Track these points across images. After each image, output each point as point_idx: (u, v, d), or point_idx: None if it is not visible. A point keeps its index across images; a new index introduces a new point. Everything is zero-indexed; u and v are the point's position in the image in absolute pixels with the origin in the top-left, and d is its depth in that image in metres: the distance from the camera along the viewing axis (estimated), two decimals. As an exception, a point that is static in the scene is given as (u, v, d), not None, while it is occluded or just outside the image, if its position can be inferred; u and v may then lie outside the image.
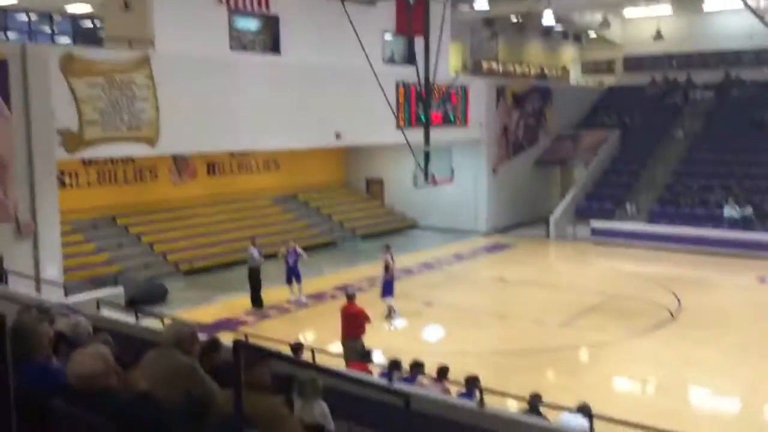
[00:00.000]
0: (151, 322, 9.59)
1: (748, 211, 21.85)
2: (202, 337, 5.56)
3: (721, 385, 11.58)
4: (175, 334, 4.78)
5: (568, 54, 36.24)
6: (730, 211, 21.98)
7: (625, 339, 13.62)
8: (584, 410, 7.62)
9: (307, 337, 13.74)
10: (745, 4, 26.78)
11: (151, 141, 15.09)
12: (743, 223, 21.64)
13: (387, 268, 15.09)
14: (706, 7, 30.41)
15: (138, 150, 15.30)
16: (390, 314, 14.83)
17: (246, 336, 8.37)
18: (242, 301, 16.27)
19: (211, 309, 15.69)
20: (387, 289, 14.94)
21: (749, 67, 30.13)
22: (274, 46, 18.40)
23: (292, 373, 5.62)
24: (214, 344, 5.34)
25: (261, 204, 23.66)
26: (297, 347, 8.83)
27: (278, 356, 3.71)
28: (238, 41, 17.77)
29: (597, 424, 6.02)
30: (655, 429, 5.83)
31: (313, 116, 18.61)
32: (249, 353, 3.86)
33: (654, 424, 8.45)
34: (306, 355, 8.60)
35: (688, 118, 28.29)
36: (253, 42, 18.44)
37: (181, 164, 21.58)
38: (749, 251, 20.82)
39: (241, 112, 16.89)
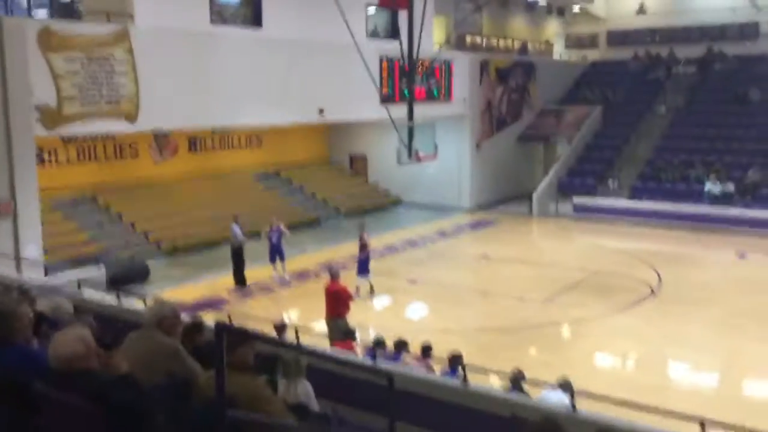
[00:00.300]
0: (133, 302, 9.53)
1: (729, 186, 22.04)
2: (185, 317, 5.53)
3: (701, 360, 11.76)
4: (156, 314, 4.74)
5: (552, 28, 36.10)
6: (710, 186, 22.16)
7: (606, 315, 13.77)
8: (565, 386, 7.70)
9: (291, 316, 13.74)
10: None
11: (131, 117, 14.87)
12: (724, 199, 21.85)
13: (362, 247, 15.10)
14: (690, -20, 30.41)
15: (118, 126, 15.08)
16: (371, 291, 14.86)
17: (229, 316, 8.34)
18: (225, 279, 16.21)
19: (193, 288, 15.62)
20: (362, 268, 14.94)
21: (732, 42, 30.20)
22: (255, 20, 18.13)
23: (275, 352, 5.60)
24: (196, 325, 5.31)
25: (243, 181, 23.50)
26: (281, 326, 8.82)
27: (261, 338, 3.68)
28: (219, 15, 17.49)
29: (578, 400, 6.07)
30: (636, 404, 5.89)
31: (295, 92, 18.44)
32: (232, 335, 3.84)
33: (635, 399, 8.58)
34: (290, 334, 8.59)
35: (670, 93, 28.36)
36: (234, 15, 18.16)
37: (161, 141, 21.33)
38: (729, 227, 21.05)
39: (222, 87, 16.68)
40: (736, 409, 9.42)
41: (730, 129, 25.14)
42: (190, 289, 15.45)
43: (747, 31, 30.53)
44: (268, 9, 18.10)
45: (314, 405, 6.12)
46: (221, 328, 3.12)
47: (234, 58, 16.95)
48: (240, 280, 15.66)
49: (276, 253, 16.19)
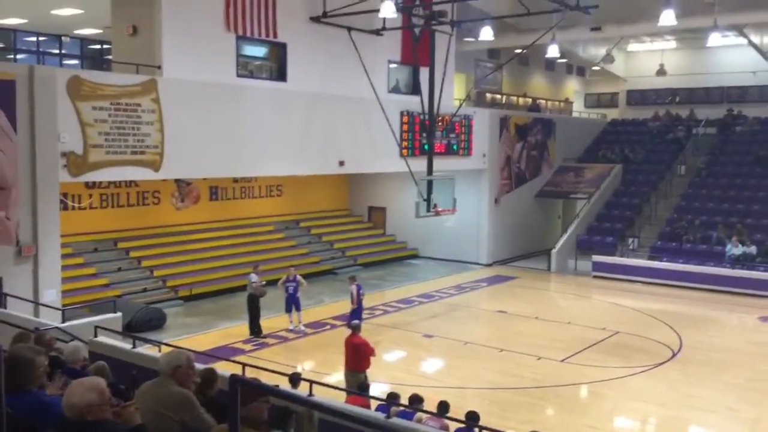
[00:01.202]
0: (148, 349, 9.53)
1: (751, 249, 21.78)
2: (199, 366, 5.51)
3: (722, 425, 11.44)
4: (170, 363, 4.74)
5: (572, 86, 36.52)
6: (732, 248, 21.91)
7: (625, 376, 13.48)
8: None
9: (306, 367, 13.61)
10: (749, 40, 27.12)
11: (156, 165, 15.12)
12: (745, 261, 21.56)
13: (352, 299, 15.26)
14: (710, 42, 30.70)
15: (142, 174, 15.33)
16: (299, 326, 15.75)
17: (243, 366, 8.28)
18: (241, 328, 16.18)
19: (209, 336, 15.59)
20: (356, 315, 14.98)
21: (752, 104, 30.33)
22: (280, 74, 18.54)
23: (288, 405, 5.53)
24: (210, 376, 5.29)
25: (263, 230, 23.65)
26: (295, 378, 8.74)
27: (275, 392, 3.65)
28: (245, 68, 17.91)
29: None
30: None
31: (317, 143, 18.70)
32: (246, 387, 3.81)
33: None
34: (303, 386, 8.50)
35: (690, 153, 28.37)
36: (259, 69, 18.59)
37: (183, 189, 21.61)
38: (752, 290, 20.71)
39: (245, 138, 16.96)
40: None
41: (751, 190, 25.00)
42: (205, 337, 15.43)
43: (766, 93, 30.66)
44: (292, 63, 18.52)
45: (326, 461, 6.01)
46: (235, 380, 3.11)
47: (258, 110, 17.28)
48: (255, 330, 15.61)
49: (292, 303, 16.17)
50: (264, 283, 16.06)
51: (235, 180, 22.97)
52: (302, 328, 16.04)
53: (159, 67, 15.42)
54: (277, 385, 5.82)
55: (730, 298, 20.48)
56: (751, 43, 27.50)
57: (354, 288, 15.39)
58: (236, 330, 16.09)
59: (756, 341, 16.39)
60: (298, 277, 16.35)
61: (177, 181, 20.89)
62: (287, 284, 16.17)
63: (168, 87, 15.16)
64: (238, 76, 17.34)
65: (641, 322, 17.77)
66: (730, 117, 29.40)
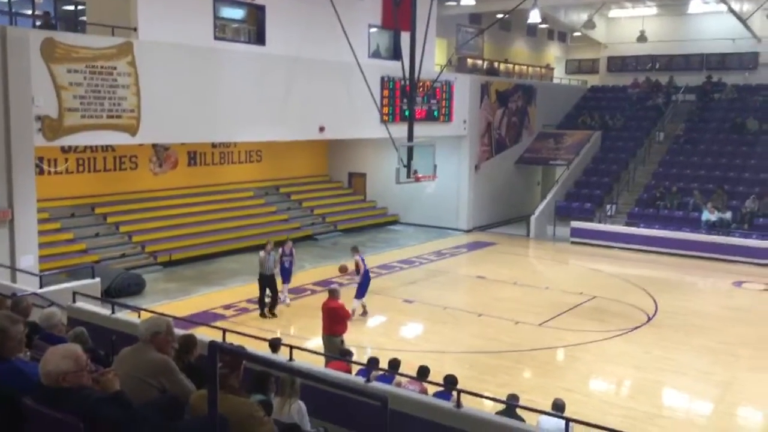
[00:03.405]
0: (127, 315, 9.50)
1: (726, 215, 22.09)
2: (179, 331, 5.51)
3: (695, 388, 11.71)
4: (150, 329, 4.73)
5: (553, 53, 36.38)
6: (708, 214, 22.20)
7: (601, 340, 13.72)
8: (558, 406, 7.68)
9: (286, 333, 13.66)
10: (729, 7, 27.10)
11: (132, 130, 14.91)
12: (721, 227, 21.88)
13: (359, 270, 14.89)
14: (690, 8, 30.70)
15: (118, 138, 15.12)
16: (364, 313, 14.76)
17: (224, 332, 8.29)
18: (220, 294, 16.17)
19: (188, 302, 15.57)
20: (361, 291, 14.77)
21: (731, 71, 30.48)
22: (259, 37, 18.25)
23: (269, 371, 5.57)
24: (189, 341, 5.29)
25: (242, 195, 23.51)
26: (275, 343, 8.78)
27: (254, 358, 3.66)
28: (223, 30, 17.60)
29: (572, 426, 6.05)
30: (630, 433, 5.86)
31: (297, 108, 18.52)
32: (225, 354, 3.82)
33: (628, 426, 8.55)
34: (284, 351, 8.54)
35: (669, 120, 28.53)
36: (237, 32, 18.27)
37: (161, 153, 21.36)
38: (726, 255, 21.06)
39: (224, 102, 16.75)
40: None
41: (728, 158, 25.26)
42: (185, 302, 15.40)
43: (746, 61, 30.84)
44: (271, 26, 18.22)
45: (307, 425, 6.08)
46: (215, 347, 3.10)
47: (236, 74, 17.04)
48: (261, 308, 14.85)
49: (288, 275, 15.61)
50: (271, 258, 14.92)
51: (214, 145, 22.74)
52: (287, 299, 15.74)
53: (135, 29, 15.12)
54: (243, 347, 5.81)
55: (706, 263, 20.83)
56: (731, 10, 27.49)
57: (358, 258, 14.96)
58: (216, 296, 16.09)
59: (729, 306, 16.72)
60: (293, 250, 15.92)
61: (155, 145, 20.63)
62: (284, 258, 15.42)
63: (144, 50, 14.87)
64: (216, 39, 17.05)
65: (618, 287, 18.03)
66: (709, 84, 29.54)
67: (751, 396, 11.38)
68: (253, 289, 15.99)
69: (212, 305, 15.32)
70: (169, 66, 15.45)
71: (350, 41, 18.41)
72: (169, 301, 15.39)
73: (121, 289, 15.34)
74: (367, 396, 3.29)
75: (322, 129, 19.37)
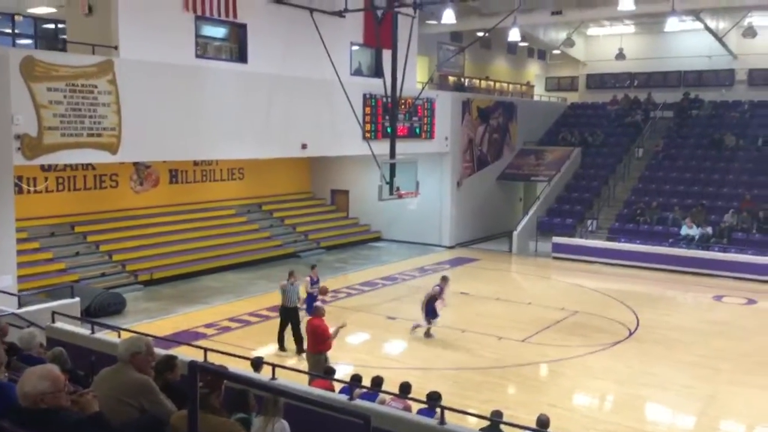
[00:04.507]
0: (107, 335, 9.39)
1: (706, 230, 22.34)
2: (159, 351, 5.46)
3: (677, 402, 11.77)
4: (129, 349, 4.68)
5: (533, 70, 36.79)
6: (687, 229, 22.44)
7: (584, 355, 13.77)
8: (542, 422, 7.68)
9: (267, 351, 13.56)
10: (705, 25, 27.60)
11: (113, 148, 14.81)
12: (701, 242, 22.12)
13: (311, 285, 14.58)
14: (667, 27, 31.19)
15: (99, 157, 15.00)
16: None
17: (205, 351, 8.22)
18: (201, 313, 16.04)
19: (169, 321, 15.43)
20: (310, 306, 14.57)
21: (708, 87, 30.96)
22: (241, 55, 18.27)
23: (250, 390, 5.53)
24: (169, 361, 5.24)
25: (224, 213, 23.42)
26: (258, 362, 8.72)
27: (236, 378, 3.64)
28: (204, 49, 17.61)
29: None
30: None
31: (279, 126, 18.52)
32: (206, 375, 3.79)
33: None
34: (267, 370, 8.49)
35: (648, 136, 28.89)
36: (219, 50, 18.29)
37: (142, 172, 21.24)
38: (706, 270, 21.27)
39: (205, 120, 16.71)
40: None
41: (707, 173, 25.60)
42: (166, 321, 15.26)
43: (723, 77, 31.36)
44: (253, 44, 18.25)
45: (289, 444, 6.03)
46: (195, 366, 3.08)
47: (218, 92, 17.03)
48: (281, 344, 13.74)
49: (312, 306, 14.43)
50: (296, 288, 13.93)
51: (196, 163, 22.67)
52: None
53: (116, 48, 15.07)
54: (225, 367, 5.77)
55: (686, 277, 21.02)
56: (707, 28, 28.01)
57: (311, 276, 14.70)
58: (197, 315, 15.96)
59: (710, 320, 16.87)
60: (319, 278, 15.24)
61: (135, 163, 20.52)
62: (312, 288, 14.55)
63: (125, 68, 14.83)
64: (197, 57, 17.04)
65: (599, 301, 18.13)
66: (686, 101, 29.98)
67: (733, 409, 11.45)
68: (235, 308, 15.92)
69: (193, 324, 15.19)
70: (150, 84, 15.40)
71: (332, 59, 18.51)
72: (150, 321, 15.25)
73: (101, 308, 15.18)
74: (350, 414, 3.29)
75: (304, 146, 19.38)
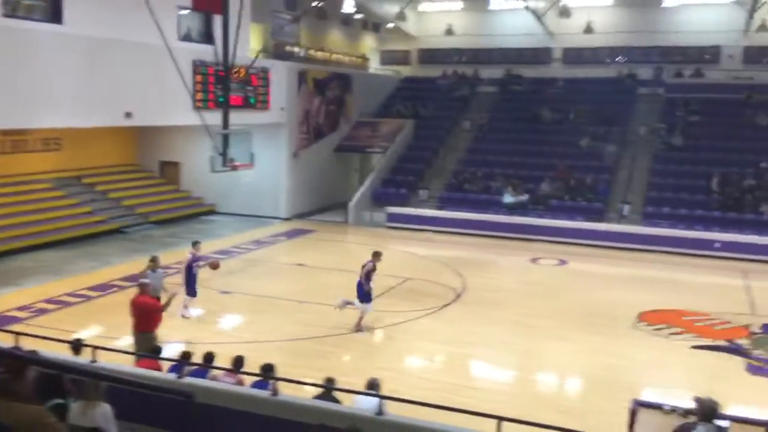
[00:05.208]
0: None
1: (524, 197, 24.03)
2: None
3: (499, 358, 12.66)
4: None
5: (368, 43, 37.20)
6: (508, 197, 24.01)
7: (414, 319, 14.38)
8: (372, 385, 7.93)
9: (89, 332, 12.80)
10: (526, 5, 29.32)
11: None
12: (520, 209, 23.78)
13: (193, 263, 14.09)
14: (492, 5, 32.84)
15: None
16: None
17: (17, 336, 7.57)
18: (13, 296, 14.79)
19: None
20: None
21: (528, 65, 32.98)
22: (55, 15, 16.79)
23: (69, 374, 5.20)
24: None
25: (39, 187, 21.62)
26: (77, 344, 8.20)
27: (46, 362, 3.40)
28: (14, 7, 15.99)
29: (387, 403, 6.28)
30: (439, 405, 6.20)
31: (100, 93, 17.33)
32: (11, 361, 3.51)
33: (441, 399, 9.03)
34: (88, 352, 8.01)
35: (474, 110, 30.38)
36: (30, 9, 16.68)
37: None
38: (524, 234, 22.95)
39: (16, 86, 15.22)
40: (529, 405, 10.25)
41: (526, 145, 27.41)
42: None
43: (541, 55, 33.54)
44: (69, 4, 16.84)
45: (113, 429, 5.76)
46: (-7, 352, 2.84)
47: (30, 56, 15.54)
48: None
49: (194, 285, 14.06)
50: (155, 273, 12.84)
51: (5, 133, 20.65)
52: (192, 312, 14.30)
53: None
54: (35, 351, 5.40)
55: (507, 242, 22.52)
56: (527, 8, 29.77)
57: (194, 253, 14.11)
58: (8, 298, 14.69)
59: (527, 281, 18.23)
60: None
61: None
62: (194, 263, 14.02)
63: None
64: (5, 16, 15.45)
65: (430, 268, 18.97)
66: (508, 77, 31.81)
67: (549, 362, 12.50)
68: (52, 289, 14.85)
69: (5, 307, 13.96)
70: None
71: (158, 23, 17.51)
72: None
73: None
74: (174, 393, 3.19)
75: (128, 115, 18.29)
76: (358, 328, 13.57)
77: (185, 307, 13.94)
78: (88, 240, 20.37)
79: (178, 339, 12.04)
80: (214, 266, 14.23)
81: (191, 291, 14.08)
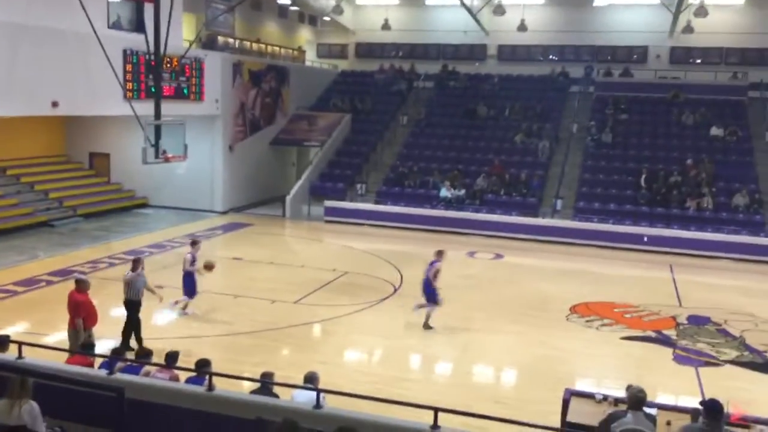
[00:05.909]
0: None
1: (461, 192, 24.32)
2: None
3: (437, 349, 12.78)
4: None
5: (305, 36, 36.90)
6: (445, 192, 24.25)
7: (353, 312, 14.37)
8: (310, 379, 7.89)
9: (15, 329, 12.29)
10: (461, 1, 29.63)
11: None
12: (456, 203, 24.06)
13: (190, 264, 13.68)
14: (428, 0, 33.00)
15: None
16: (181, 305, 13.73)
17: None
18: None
19: None
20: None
21: (464, 61, 33.40)
22: (-27, -2, 16.02)
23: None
24: None
25: (-41, 179, 20.63)
26: (2, 341, 7.85)
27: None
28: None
29: (325, 396, 6.25)
30: (377, 398, 6.21)
31: (24, 81, 16.63)
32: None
33: (379, 391, 9.06)
34: (13, 349, 7.68)
35: (411, 105, 30.54)
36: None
37: None
38: (461, 228, 23.24)
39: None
40: (466, 396, 10.39)
41: (462, 140, 27.74)
42: None
43: (477, 52, 34.00)
44: (-11, -14, 16.09)
45: (40, 426, 5.55)
46: None
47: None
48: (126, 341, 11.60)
49: (193, 285, 13.64)
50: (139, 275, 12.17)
51: None
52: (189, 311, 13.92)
53: None
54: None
55: (444, 236, 22.74)
56: (463, 5, 30.08)
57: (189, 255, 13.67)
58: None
59: (464, 274, 18.44)
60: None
61: None
62: (193, 266, 13.65)
63: None
64: None
65: (368, 262, 18.99)
66: (445, 73, 32.11)
67: (485, 354, 12.69)
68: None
69: None
70: None
71: (86, 9, 16.91)
72: None
73: None
74: (104, 389, 3.08)
75: (55, 104, 17.61)
76: (427, 326, 13.54)
77: (175, 302, 13.65)
78: (13, 233, 19.57)
79: (112, 336, 11.67)
80: (209, 267, 13.78)
81: (191, 291, 13.65)
